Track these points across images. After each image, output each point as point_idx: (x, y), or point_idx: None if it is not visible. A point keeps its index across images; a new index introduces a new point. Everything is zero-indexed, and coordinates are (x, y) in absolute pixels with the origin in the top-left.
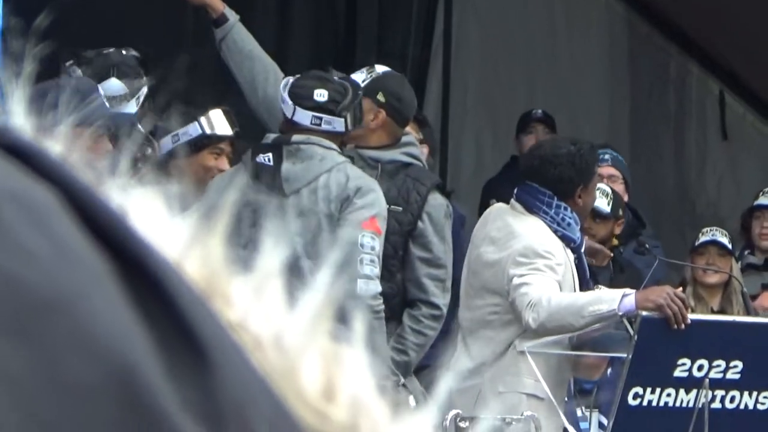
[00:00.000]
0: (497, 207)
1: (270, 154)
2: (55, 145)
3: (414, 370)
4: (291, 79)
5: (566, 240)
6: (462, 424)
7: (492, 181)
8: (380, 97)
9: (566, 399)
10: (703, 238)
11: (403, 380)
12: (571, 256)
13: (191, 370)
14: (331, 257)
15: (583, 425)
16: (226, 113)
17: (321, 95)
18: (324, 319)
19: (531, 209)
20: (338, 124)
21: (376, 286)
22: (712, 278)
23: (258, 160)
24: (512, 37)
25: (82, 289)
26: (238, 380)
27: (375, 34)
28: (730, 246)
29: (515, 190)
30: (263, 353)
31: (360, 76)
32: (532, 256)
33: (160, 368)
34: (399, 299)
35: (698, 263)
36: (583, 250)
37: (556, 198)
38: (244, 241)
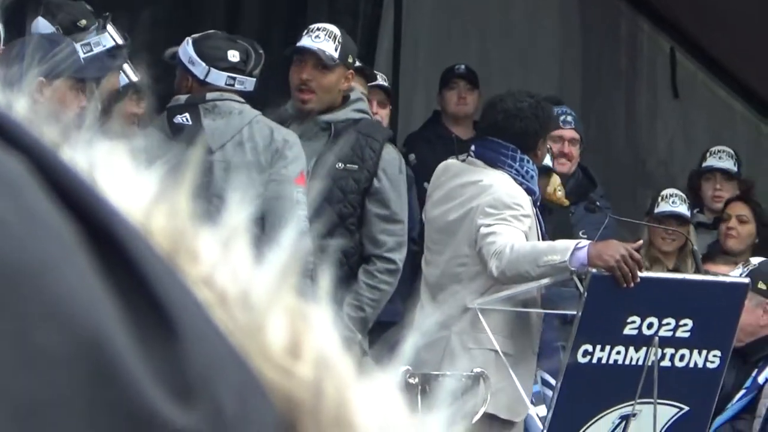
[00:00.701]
0: (453, 164)
1: (187, 114)
2: (22, 100)
3: (378, 328)
4: (191, 39)
5: (529, 192)
6: (411, 381)
7: (413, 136)
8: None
9: (535, 354)
10: (663, 207)
11: (360, 337)
12: (533, 207)
13: (160, 341)
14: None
15: (533, 388)
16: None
17: (234, 56)
18: (290, 275)
19: (494, 164)
20: (249, 83)
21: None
22: (670, 246)
23: (176, 120)
24: None
25: (51, 258)
26: (206, 350)
27: None
28: (689, 213)
29: (472, 147)
30: (228, 310)
31: None
32: (500, 207)
33: (129, 338)
34: (357, 257)
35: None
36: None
37: (519, 151)
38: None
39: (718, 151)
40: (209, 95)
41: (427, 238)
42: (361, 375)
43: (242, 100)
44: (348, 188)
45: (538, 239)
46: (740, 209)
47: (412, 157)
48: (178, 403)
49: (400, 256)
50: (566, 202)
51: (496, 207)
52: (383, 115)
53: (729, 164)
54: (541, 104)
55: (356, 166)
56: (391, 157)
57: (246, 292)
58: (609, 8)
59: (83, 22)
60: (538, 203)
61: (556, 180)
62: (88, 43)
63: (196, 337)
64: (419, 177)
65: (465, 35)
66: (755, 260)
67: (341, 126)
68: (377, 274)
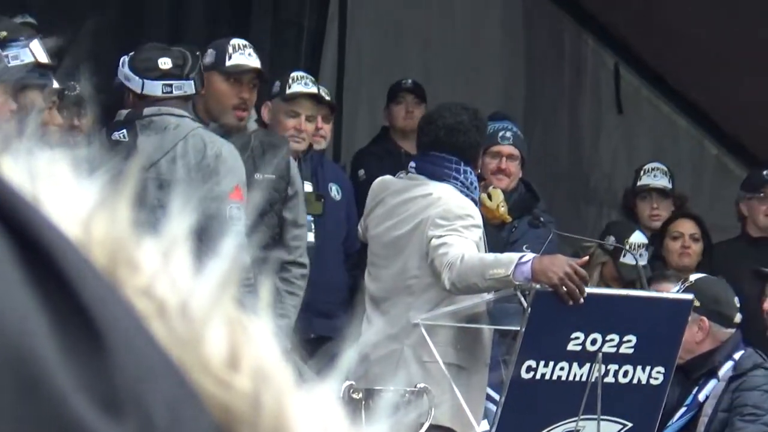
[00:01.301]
0: (392, 181)
1: (124, 130)
2: None
3: (315, 341)
4: (125, 57)
5: (474, 203)
6: (355, 396)
7: (362, 152)
8: None
9: (487, 366)
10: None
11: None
12: None
13: (88, 353)
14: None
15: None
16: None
17: (165, 63)
18: (230, 286)
19: (439, 177)
20: (188, 86)
21: (247, 258)
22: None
23: (113, 136)
24: (408, 7)
25: None
26: (136, 361)
27: (271, 2)
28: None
29: (412, 163)
30: (167, 321)
31: None
32: (451, 218)
33: (56, 350)
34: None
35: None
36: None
37: (462, 163)
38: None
39: (653, 169)
40: (147, 110)
41: (370, 254)
42: (300, 387)
43: (181, 112)
44: (272, 199)
45: (486, 250)
46: (691, 228)
47: (361, 172)
48: (106, 416)
49: (307, 260)
50: (508, 219)
51: (447, 218)
52: (327, 130)
53: (664, 182)
54: (477, 115)
55: (273, 176)
56: (293, 163)
57: (185, 303)
58: (553, 23)
59: (3, 34)
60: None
61: (499, 195)
62: (6, 56)
63: (126, 349)
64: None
65: (408, 48)
66: (693, 277)
67: (244, 139)
68: (294, 280)
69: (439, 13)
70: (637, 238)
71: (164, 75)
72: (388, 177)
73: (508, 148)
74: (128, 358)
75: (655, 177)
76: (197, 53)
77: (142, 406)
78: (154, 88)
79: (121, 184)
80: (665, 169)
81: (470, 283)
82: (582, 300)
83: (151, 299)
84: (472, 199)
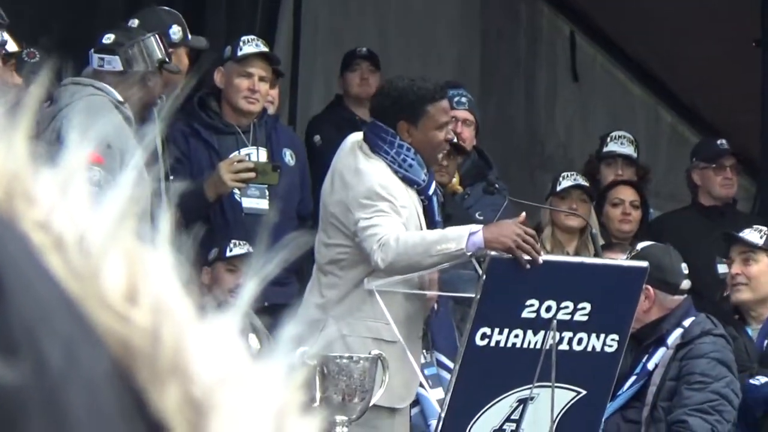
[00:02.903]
0: (350, 144)
1: (50, 100)
2: None
3: (269, 309)
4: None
5: (409, 181)
6: (309, 362)
7: (317, 118)
8: None
9: (420, 339)
10: (565, 183)
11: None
12: (416, 198)
13: None
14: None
15: (429, 370)
16: None
17: (108, 38)
18: (128, 219)
19: (374, 149)
20: (116, 62)
21: (145, 191)
22: (573, 222)
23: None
24: None
25: None
26: (33, 301)
27: None
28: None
29: (364, 129)
30: (65, 254)
31: None
32: (375, 198)
33: None
34: None
35: (560, 206)
36: (431, 192)
37: (398, 138)
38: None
39: (619, 137)
40: (67, 80)
41: (320, 218)
42: (200, 321)
43: (91, 81)
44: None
45: (420, 228)
46: (631, 195)
47: (317, 138)
48: (2, 358)
49: None
50: (460, 189)
51: (370, 198)
52: (274, 95)
53: (630, 150)
54: (419, 87)
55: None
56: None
57: (83, 237)
58: None
59: None
60: (429, 190)
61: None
62: None
63: (23, 289)
64: (325, 158)
65: (363, 17)
66: (639, 245)
67: None
68: None
69: None
70: None
71: (101, 48)
72: (352, 135)
73: (463, 113)
74: (25, 299)
75: (622, 144)
76: (146, 34)
77: (36, 346)
78: (93, 59)
79: (17, 119)
80: (631, 137)
81: (412, 261)
82: (540, 260)
83: (48, 232)
84: (405, 177)
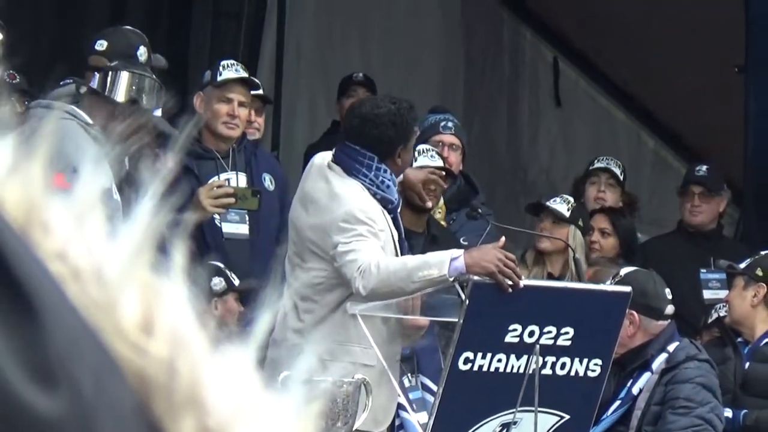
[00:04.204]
0: (317, 166)
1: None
2: None
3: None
4: None
5: (384, 202)
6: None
7: (313, 146)
8: None
9: (398, 362)
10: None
11: None
12: (389, 217)
13: (19, 321)
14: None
15: (414, 394)
16: None
17: (101, 45)
18: (144, 250)
19: (350, 171)
20: (95, 83)
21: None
22: (543, 244)
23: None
24: None
25: None
26: (65, 330)
27: None
28: (567, 214)
29: (334, 151)
30: (82, 285)
31: None
32: (353, 222)
33: None
34: None
35: (537, 229)
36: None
37: (375, 159)
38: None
39: (606, 158)
40: (34, 103)
41: (290, 240)
42: (215, 353)
43: (61, 105)
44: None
45: (395, 252)
46: (602, 223)
47: None
48: (39, 387)
49: None
50: (441, 213)
51: (349, 222)
52: (261, 122)
53: (616, 170)
54: (401, 111)
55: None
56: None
57: (100, 267)
58: (492, 15)
59: None
60: (398, 210)
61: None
62: None
63: (56, 316)
64: None
65: (347, 41)
66: (623, 271)
67: None
68: None
69: (378, 6)
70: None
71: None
72: (319, 155)
73: (449, 137)
74: (59, 330)
75: (608, 164)
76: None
77: (71, 375)
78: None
79: (35, 147)
80: (618, 162)
81: (394, 287)
82: (521, 285)
83: (65, 263)
84: (382, 198)
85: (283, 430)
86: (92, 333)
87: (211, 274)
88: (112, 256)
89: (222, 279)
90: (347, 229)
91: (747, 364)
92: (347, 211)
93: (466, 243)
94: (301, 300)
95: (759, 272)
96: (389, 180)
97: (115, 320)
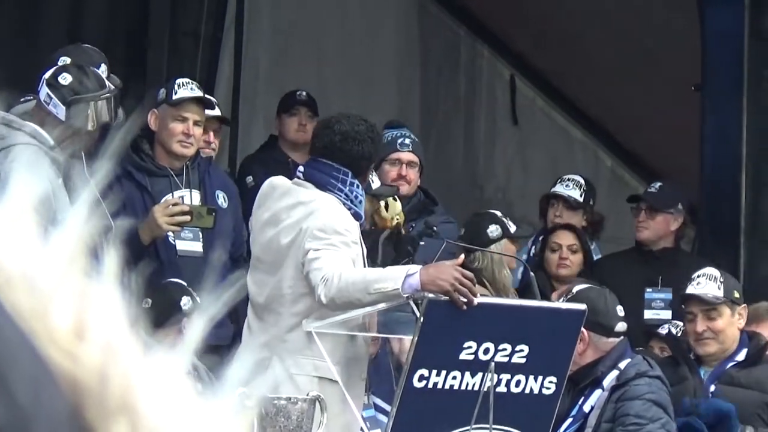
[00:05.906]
0: (280, 184)
1: None
2: None
3: (208, 351)
4: None
5: (356, 216)
6: (247, 402)
7: (250, 158)
8: None
9: (364, 380)
10: (558, 188)
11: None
12: (359, 231)
13: None
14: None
15: (367, 413)
16: None
17: (65, 78)
18: (77, 257)
19: (323, 187)
20: (60, 110)
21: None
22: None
23: None
24: (303, 18)
25: None
26: (0, 339)
27: (168, 13)
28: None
29: (301, 168)
30: (14, 292)
31: None
32: (329, 232)
33: None
34: None
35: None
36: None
37: (350, 175)
38: None
39: (567, 179)
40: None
41: (254, 258)
42: (147, 359)
43: (23, 125)
44: None
45: (364, 265)
46: (569, 239)
47: (249, 179)
48: None
49: None
50: (402, 232)
51: (325, 231)
52: (217, 143)
53: (574, 193)
54: (374, 129)
55: None
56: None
57: (32, 274)
58: (448, 33)
59: None
60: (362, 227)
61: (396, 208)
62: None
63: None
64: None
65: (303, 59)
66: (575, 288)
67: None
68: None
69: (334, 24)
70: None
71: (53, 81)
72: (276, 179)
73: (407, 155)
74: None
75: (567, 187)
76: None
77: (8, 385)
78: (42, 91)
79: None
80: (580, 181)
81: (352, 299)
82: (476, 302)
83: None
84: (355, 213)
85: None
86: (27, 340)
87: (179, 293)
88: (45, 263)
89: (189, 299)
90: (322, 237)
91: (712, 387)
92: (324, 221)
93: (421, 261)
94: (268, 313)
95: (736, 294)
96: (361, 195)
97: (49, 327)
